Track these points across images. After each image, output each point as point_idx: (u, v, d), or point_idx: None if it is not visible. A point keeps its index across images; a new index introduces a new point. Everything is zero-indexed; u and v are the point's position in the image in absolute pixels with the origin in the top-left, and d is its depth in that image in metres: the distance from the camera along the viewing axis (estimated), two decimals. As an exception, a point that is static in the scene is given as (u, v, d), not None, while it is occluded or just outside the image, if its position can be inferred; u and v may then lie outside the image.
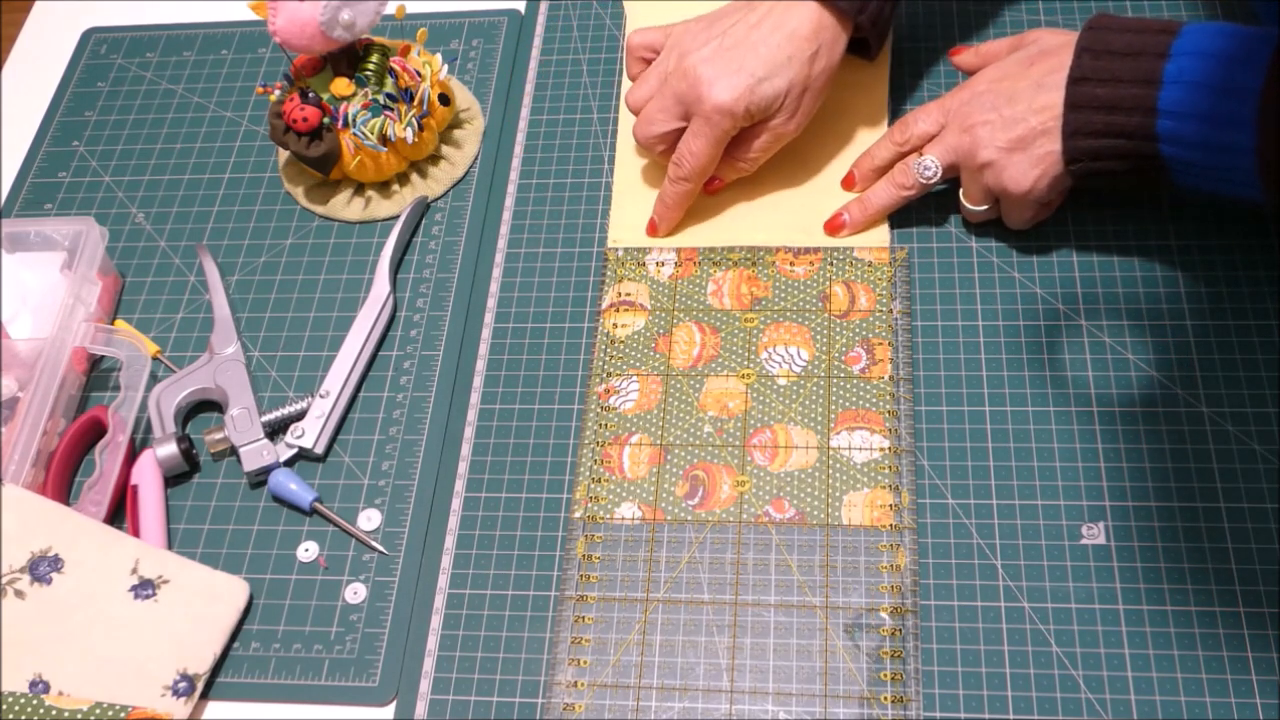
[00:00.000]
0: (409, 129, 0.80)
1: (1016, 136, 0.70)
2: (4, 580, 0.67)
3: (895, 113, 0.83)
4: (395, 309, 0.80)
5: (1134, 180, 0.70)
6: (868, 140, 0.81)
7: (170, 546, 0.72)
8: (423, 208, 0.84)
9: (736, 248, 0.79)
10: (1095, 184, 0.71)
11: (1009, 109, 0.70)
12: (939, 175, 0.74)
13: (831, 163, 0.81)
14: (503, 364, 0.77)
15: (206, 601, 0.68)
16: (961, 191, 0.75)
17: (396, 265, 0.82)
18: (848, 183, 0.79)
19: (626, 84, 0.87)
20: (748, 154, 0.77)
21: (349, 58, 0.81)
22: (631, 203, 0.82)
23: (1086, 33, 0.69)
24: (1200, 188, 0.68)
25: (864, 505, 0.68)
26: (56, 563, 0.68)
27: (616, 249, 0.80)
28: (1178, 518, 0.66)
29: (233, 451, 0.75)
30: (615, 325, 0.77)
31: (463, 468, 0.73)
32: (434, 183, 0.85)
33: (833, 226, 0.78)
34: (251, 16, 0.89)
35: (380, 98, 0.80)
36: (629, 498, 0.71)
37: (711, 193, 0.80)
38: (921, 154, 0.74)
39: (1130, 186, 0.72)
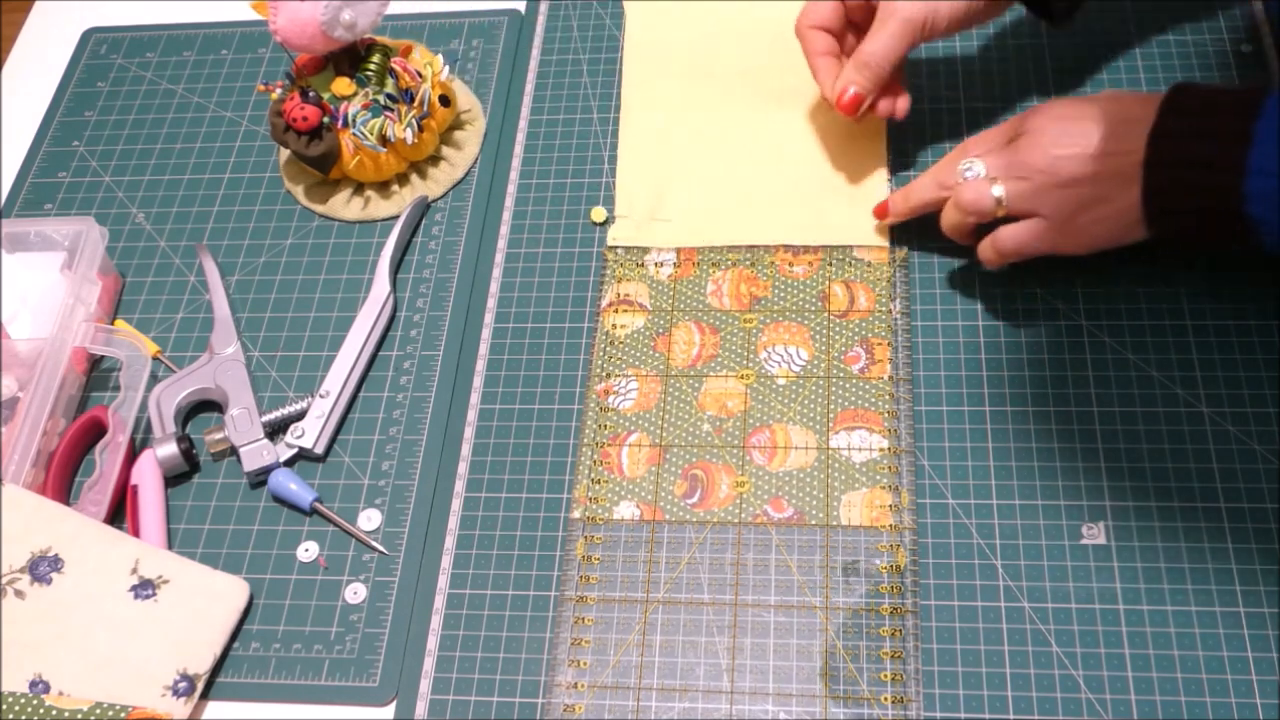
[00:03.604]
0: (409, 130, 0.80)
1: (1091, 173, 0.66)
2: (4, 580, 0.67)
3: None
4: (395, 309, 0.80)
5: (1221, 243, 0.65)
6: (867, 138, 0.81)
7: (170, 546, 0.72)
8: (423, 208, 0.84)
9: (736, 247, 0.79)
10: (1172, 245, 0.68)
11: (1090, 143, 0.66)
12: (981, 177, 0.70)
13: (831, 163, 0.81)
14: (503, 364, 0.77)
15: (206, 601, 0.68)
16: (982, 245, 0.72)
17: (396, 265, 0.82)
18: (880, 211, 0.78)
19: (626, 84, 0.87)
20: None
21: (350, 57, 0.81)
22: (632, 202, 0.82)
23: (1171, 95, 0.65)
24: None
25: (862, 505, 0.68)
26: (56, 563, 0.68)
27: (616, 248, 0.80)
28: (1178, 518, 0.66)
29: (233, 451, 0.75)
30: (615, 325, 0.77)
31: (463, 468, 0.73)
32: (434, 183, 0.85)
33: (879, 211, 0.77)
34: (252, 16, 0.89)
35: (381, 98, 0.80)
36: (628, 497, 0.71)
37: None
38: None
39: (1209, 248, 0.69)
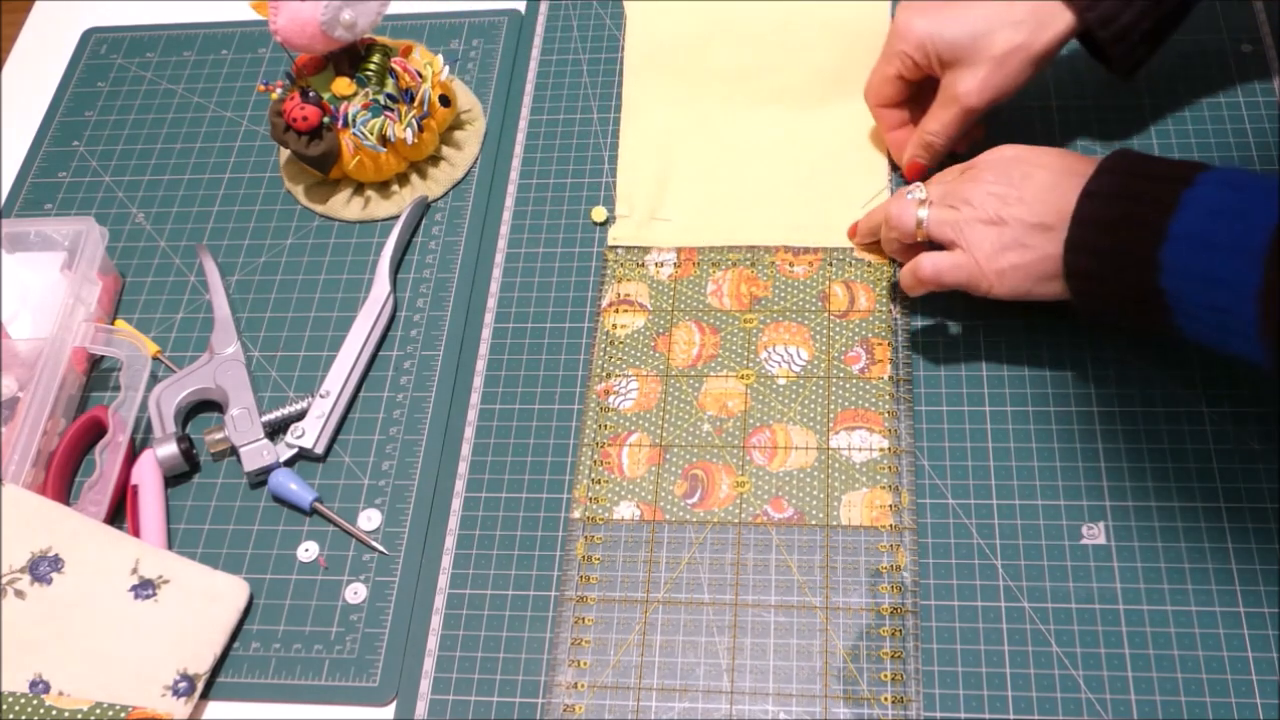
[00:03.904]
0: (409, 130, 0.80)
1: (1016, 217, 0.66)
2: (4, 580, 0.67)
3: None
4: (395, 309, 0.80)
5: (1135, 316, 0.63)
6: (867, 139, 0.81)
7: (170, 546, 0.72)
8: (423, 208, 0.84)
9: (736, 247, 0.79)
10: (1091, 313, 0.66)
11: (1025, 187, 0.66)
12: (921, 200, 0.70)
13: (832, 163, 0.81)
14: (503, 364, 0.77)
15: (206, 601, 0.68)
16: (904, 269, 0.72)
17: (396, 265, 0.82)
18: (851, 231, 0.78)
19: (627, 84, 0.87)
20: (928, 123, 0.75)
21: (350, 57, 0.81)
22: (633, 202, 0.82)
23: (1113, 156, 0.64)
24: (1199, 335, 0.61)
25: (863, 505, 0.68)
26: (56, 563, 0.68)
27: (617, 248, 0.80)
28: (1178, 518, 0.66)
29: (233, 451, 0.75)
30: (615, 325, 0.77)
31: (463, 468, 0.73)
32: (434, 183, 0.85)
33: (850, 232, 0.78)
34: (252, 16, 0.89)
35: (381, 98, 0.80)
36: (628, 497, 0.71)
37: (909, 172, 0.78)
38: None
39: (1131, 324, 0.66)
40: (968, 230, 0.67)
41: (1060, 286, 0.66)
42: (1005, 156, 0.69)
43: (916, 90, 0.78)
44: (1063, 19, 0.71)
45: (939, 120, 0.74)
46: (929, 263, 0.69)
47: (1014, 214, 0.66)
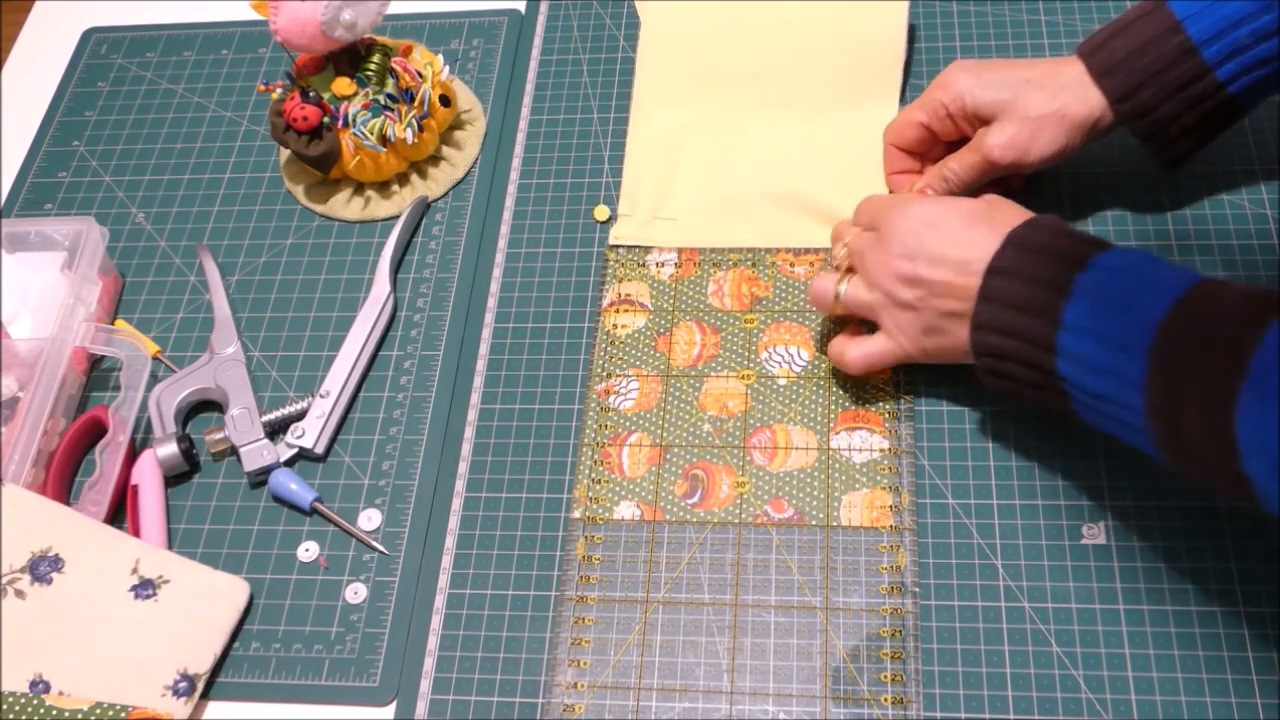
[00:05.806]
0: (409, 130, 0.80)
1: (929, 302, 0.65)
2: (4, 580, 0.67)
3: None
4: (395, 309, 0.80)
5: (1038, 399, 0.63)
6: (874, 141, 0.81)
7: (170, 546, 0.73)
8: (423, 208, 0.84)
9: (737, 248, 0.79)
10: (1001, 390, 0.65)
11: (932, 271, 0.65)
12: (843, 263, 0.70)
13: (835, 165, 0.81)
14: (503, 364, 0.77)
15: (207, 601, 0.68)
16: (834, 344, 0.71)
17: (396, 265, 0.82)
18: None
19: (638, 82, 0.87)
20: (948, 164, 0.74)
21: (351, 57, 0.81)
22: (636, 200, 0.82)
23: (1021, 228, 0.63)
24: (1096, 424, 0.61)
25: (863, 506, 0.68)
26: (56, 563, 0.68)
27: (618, 248, 0.80)
28: (1178, 518, 0.66)
29: (233, 451, 0.75)
30: (615, 325, 0.77)
31: (463, 468, 0.73)
32: (434, 183, 0.85)
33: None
34: (252, 16, 0.89)
35: (381, 98, 0.80)
36: (628, 497, 0.71)
37: None
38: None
39: (1038, 408, 0.64)
40: (885, 316, 0.67)
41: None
42: (914, 220, 0.66)
43: (933, 145, 0.77)
44: (1096, 96, 0.70)
45: (962, 162, 0.73)
46: (859, 354, 0.69)
47: (925, 301, 0.65)
